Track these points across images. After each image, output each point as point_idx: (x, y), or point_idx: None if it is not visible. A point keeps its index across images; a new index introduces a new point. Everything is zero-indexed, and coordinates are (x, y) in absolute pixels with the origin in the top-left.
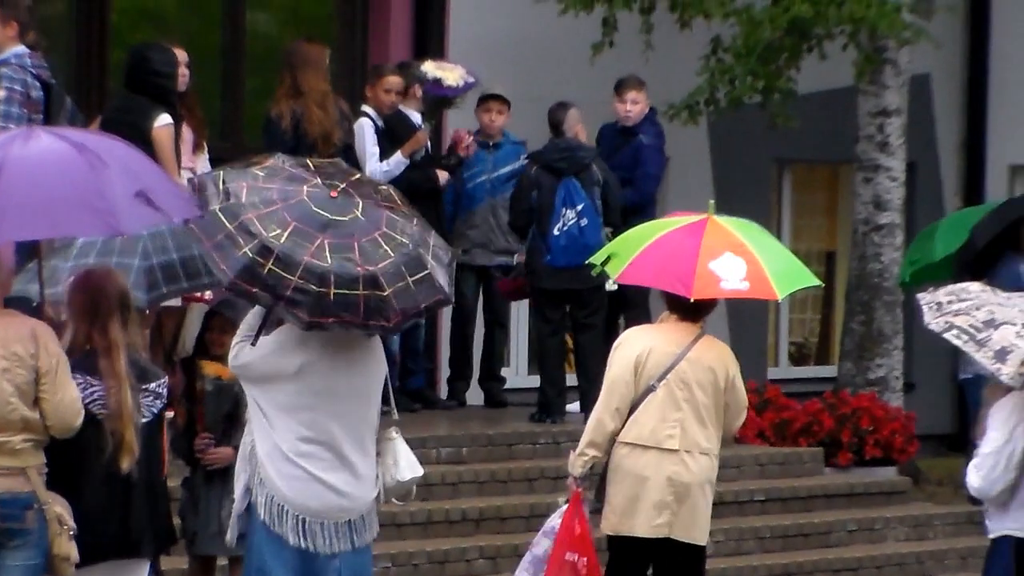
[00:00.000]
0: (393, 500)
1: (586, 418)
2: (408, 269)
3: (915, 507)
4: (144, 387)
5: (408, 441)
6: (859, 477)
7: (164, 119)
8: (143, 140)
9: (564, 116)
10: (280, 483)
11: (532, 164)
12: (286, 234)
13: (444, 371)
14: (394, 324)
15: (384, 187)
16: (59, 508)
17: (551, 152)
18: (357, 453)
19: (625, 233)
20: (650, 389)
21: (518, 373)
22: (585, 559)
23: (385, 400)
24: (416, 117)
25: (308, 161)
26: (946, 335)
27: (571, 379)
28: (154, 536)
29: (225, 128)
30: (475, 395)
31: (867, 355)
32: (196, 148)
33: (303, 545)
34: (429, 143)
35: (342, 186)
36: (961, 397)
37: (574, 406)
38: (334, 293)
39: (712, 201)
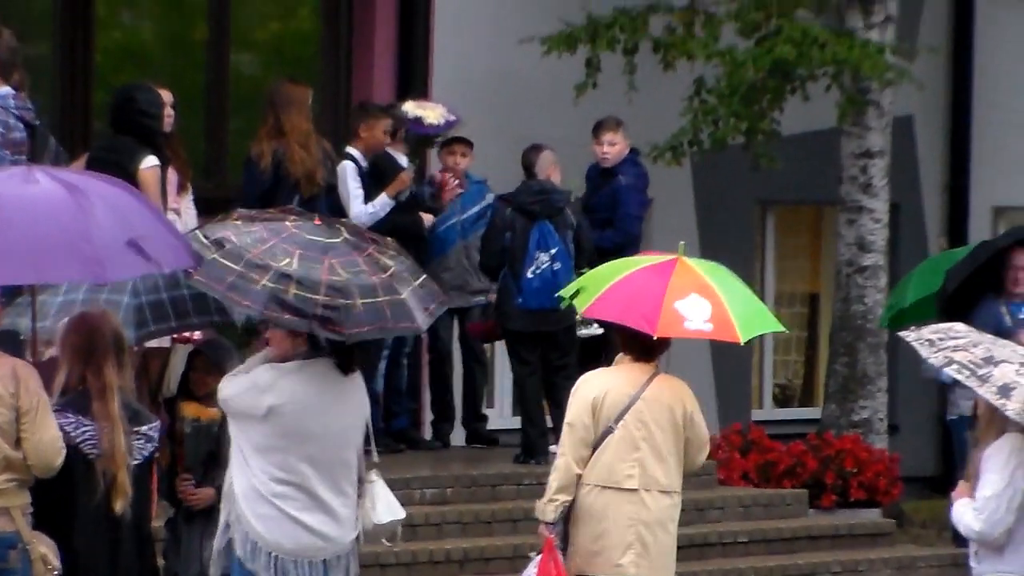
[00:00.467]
0: (383, 541)
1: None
2: (411, 274)
3: (899, 549)
4: (136, 429)
5: (392, 482)
6: (843, 519)
7: (150, 160)
8: (129, 181)
9: (536, 158)
10: (254, 521)
11: (505, 205)
12: (295, 261)
13: (428, 412)
14: (417, 326)
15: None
16: (44, 548)
17: (525, 195)
18: (332, 494)
19: (595, 269)
20: (608, 431)
21: (503, 414)
22: None
23: (366, 441)
24: (402, 159)
25: (270, 209)
26: (947, 370)
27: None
28: None
29: (209, 168)
30: (459, 436)
31: (851, 397)
32: (180, 189)
33: None
34: (413, 184)
35: (334, 223)
36: (945, 439)
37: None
38: (360, 303)
39: (683, 243)
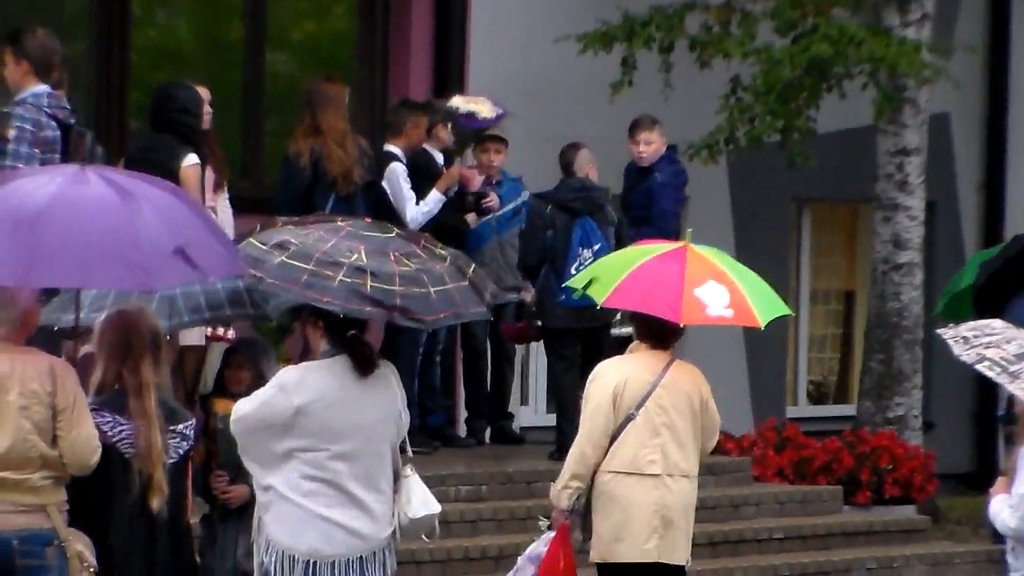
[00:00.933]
0: (423, 537)
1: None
2: (450, 276)
3: (934, 545)
4: (172, 428)
5: (427, 479)
6: (878, 515)
7: (191, 159)
8: (170, 180)
9: (575, 156)
10: (286, 536)
11: (545, 203)
12: (364, 255)
13: (463, 409)
14: (484, 309)
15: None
16: (80, 545)
17: (565, 192)
18: (366, 490)
19: (602, 259)
20: (629, 418)
21: (536, 412)
22: None
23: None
24: (438, 156)
25: (311, 216)
26: (978, 367)
27: None
28: None
29: (246, 167)
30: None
31: (886, 394)
32: (217, 187)
33: None
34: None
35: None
36: (981, 435)
37: None
38: (434, 291)
39: (690, 230)
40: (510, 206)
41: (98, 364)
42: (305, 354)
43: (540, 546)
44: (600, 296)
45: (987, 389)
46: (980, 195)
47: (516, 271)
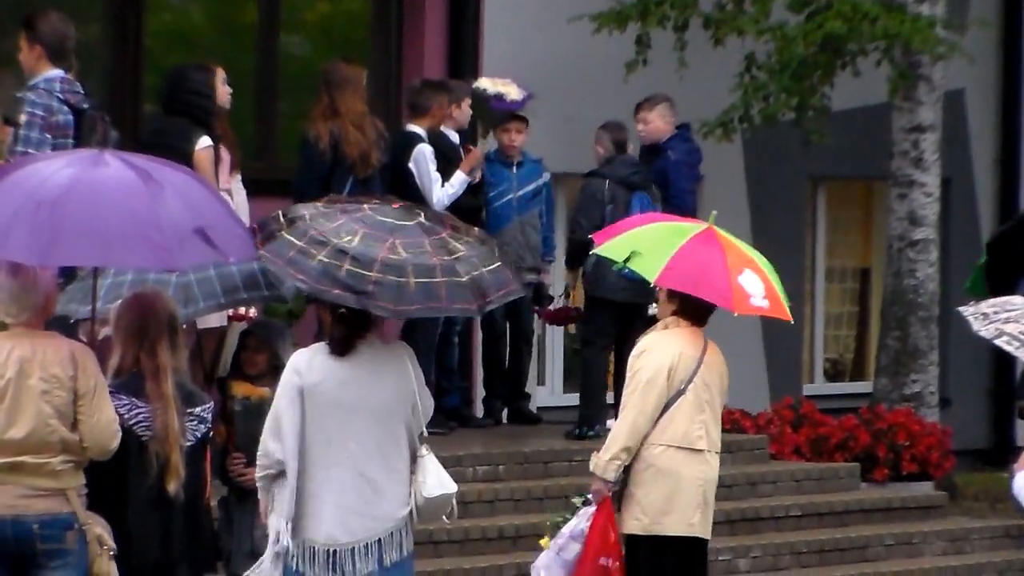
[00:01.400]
0: (443, 518)
1: None
2: (481, 260)
3: (951, 521)
4: (189, 411)
5: (443, 459)
6: (895, 492)
7: (205, 141)
8: (184, 163)
9: (626, 135)
10: (304, 525)
11: (603, 180)
12: (357, 239)
13: (479, 390)
14: (477, 307)
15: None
16: (99, 529)
17: (623, 168)
18: (381, 470)
19: (633, 232)
20: (680, 393)
21: (553, 392)
22: (617, 563)
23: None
24: (454, 136)
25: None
26: (997, 341)
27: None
28: (193, 559)
29: (260, 150)
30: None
31: (903, 371)
32: (232, 168)
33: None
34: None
35: (412, 207)
36: (997, 412)
37: (612, 423)
38: (414, 282)
39: (714, 212)
40: (531, 186)
41: (115, 348)
42: (320, 336)
43: (582, 522)
44: (652, 273)
45: (1003, 366)
46: (995, 171)
47: (536, 252)
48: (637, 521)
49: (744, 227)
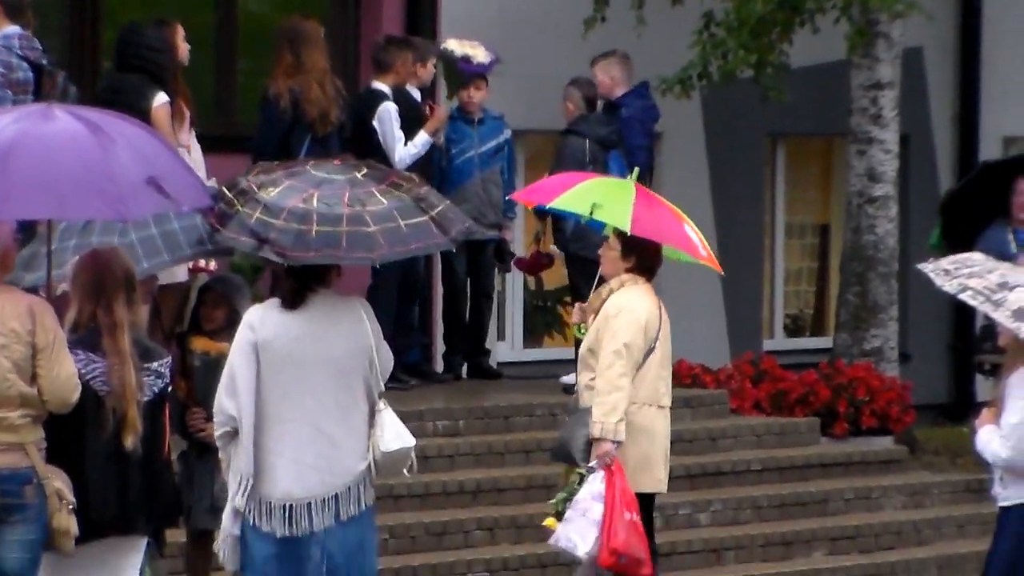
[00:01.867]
0: (403, 472)
1: None
2: (401, 213)
3: (912, 476)
4: (146, 366)
5: (404, 414)
6: (856, 447)
7: (161, 97)
8: (141, 120)
9: (596, 92)
10: (260, 481)
11: (582, 139)
12: (277, 190)
13: (440, 346)
14: (376, 255)
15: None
16: (58, 483)
17: (598, 126)
18: (337, 425)
19: (583, 185)
20: (651, 350)
21: (513, 347)
22: (639, 516)
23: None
24: (416, 93)
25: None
26: (961, 296)
27: (564, 352)
28: (153, 514)
29: (219, 107)
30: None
31: (862, 326)
32: (191, 124)
33: (289, 533)
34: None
35: (358, 164)
36: (957, 367)
37: (570, 377)
38: (316, 230)
39: (637, 169)
40: (492, 143)
41: (72, 303)
42: (275, 291)
43: (596, 484)
44: (624, 223)
45: (964, 321)
46: (954, 127)
47: (498, 208)
48: None
49: (703, 184)
